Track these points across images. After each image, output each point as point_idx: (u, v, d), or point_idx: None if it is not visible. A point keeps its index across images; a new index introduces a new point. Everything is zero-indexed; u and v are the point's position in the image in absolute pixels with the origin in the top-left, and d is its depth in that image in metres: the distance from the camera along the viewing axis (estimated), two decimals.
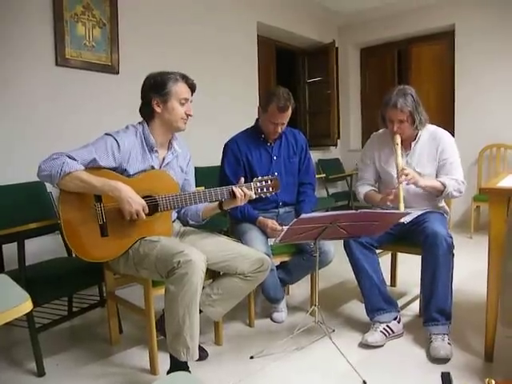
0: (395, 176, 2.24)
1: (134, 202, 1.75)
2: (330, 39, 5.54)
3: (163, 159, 1.99)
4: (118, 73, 3.35)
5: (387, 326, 2.12)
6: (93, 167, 1.79)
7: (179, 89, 1.91)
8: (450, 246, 2.04)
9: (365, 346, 2.07)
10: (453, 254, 2.07)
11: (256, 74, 4.72)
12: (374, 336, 2.07)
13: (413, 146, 2.35)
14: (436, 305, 2.04)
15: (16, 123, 2.82)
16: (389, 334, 2.11)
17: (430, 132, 2.35)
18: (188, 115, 1.95)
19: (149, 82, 1.92)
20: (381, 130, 2.53)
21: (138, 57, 3.48)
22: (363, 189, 2.48)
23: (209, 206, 2.04)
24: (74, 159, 1.74)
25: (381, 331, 2.09)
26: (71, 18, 3.08)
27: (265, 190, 1.93)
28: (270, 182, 1.94)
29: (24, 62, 2.86)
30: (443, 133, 2.35)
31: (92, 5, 3.19)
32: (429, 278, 2.08)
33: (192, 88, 1.97)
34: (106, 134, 1.87)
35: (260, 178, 1.95)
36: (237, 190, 1.88)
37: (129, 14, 3.41)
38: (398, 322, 2.18)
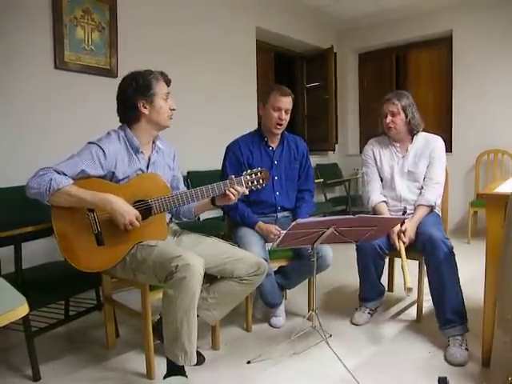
0: (388, 178, 2.50)
1: (127, 213, 1.75)
2: (329, 44, 5.57)
3: (149, 159, 1.98)
4: (116, 76, 3.34)
5: (371, 309, 2.50)
6: (82, 177, 1.77)
7: (161, 86, 1.92)
8: (449, 247, 2.09)
9: (355, 325, 2.43)
10: (454, 254, 2.11)
11: (255, 78, 4.73)
12: (362, 317, 2.45)
13: (409, 149, 2.48)
14: (449, 306, 2.07)
15: (14, 126, 2.81)
16: (373, 313, 2.51)
17: (425, 137, 2.51)
18: (172, 110, 1.96)
19: (130, 85, 1.88)
20: (379, 137, 2.62)
21: (137, 61, 3.45)
22: (375, 197, 2.48)
23: (201, 203, 2.03)
24: (63, 173, 1.72)
25: (368, 313, 2.47)
26: (70, 21, 3.09)
27: (255, 182, 1.94)
28: (259, 174, 1.94)
29: (22, 64, 2.86)
30: (437, 137, 2.49)
31: (91, 8, 3.20)
32: (435, 282, 2.12)
33: (168, 83, 1.98)
34: (89, 142, 1.85)
35: (249, 171, 1.96)
36: (228, 190, 1.88)
37: (128, 18, 3.42)
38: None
